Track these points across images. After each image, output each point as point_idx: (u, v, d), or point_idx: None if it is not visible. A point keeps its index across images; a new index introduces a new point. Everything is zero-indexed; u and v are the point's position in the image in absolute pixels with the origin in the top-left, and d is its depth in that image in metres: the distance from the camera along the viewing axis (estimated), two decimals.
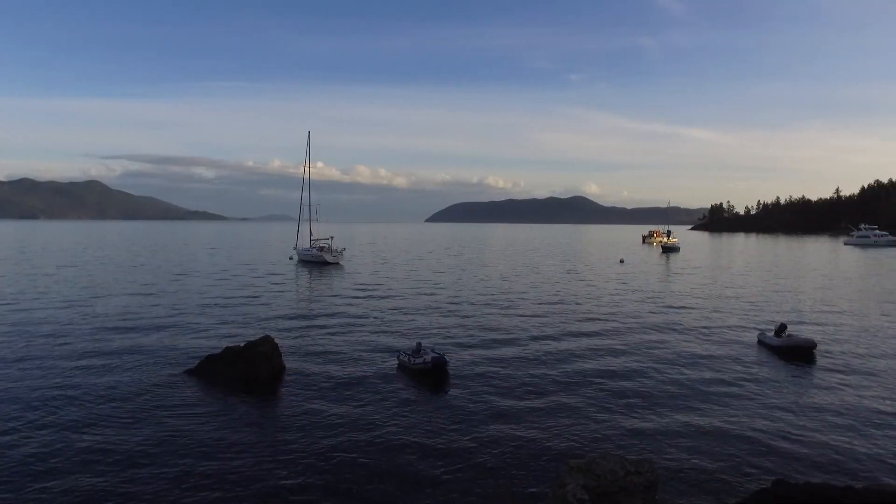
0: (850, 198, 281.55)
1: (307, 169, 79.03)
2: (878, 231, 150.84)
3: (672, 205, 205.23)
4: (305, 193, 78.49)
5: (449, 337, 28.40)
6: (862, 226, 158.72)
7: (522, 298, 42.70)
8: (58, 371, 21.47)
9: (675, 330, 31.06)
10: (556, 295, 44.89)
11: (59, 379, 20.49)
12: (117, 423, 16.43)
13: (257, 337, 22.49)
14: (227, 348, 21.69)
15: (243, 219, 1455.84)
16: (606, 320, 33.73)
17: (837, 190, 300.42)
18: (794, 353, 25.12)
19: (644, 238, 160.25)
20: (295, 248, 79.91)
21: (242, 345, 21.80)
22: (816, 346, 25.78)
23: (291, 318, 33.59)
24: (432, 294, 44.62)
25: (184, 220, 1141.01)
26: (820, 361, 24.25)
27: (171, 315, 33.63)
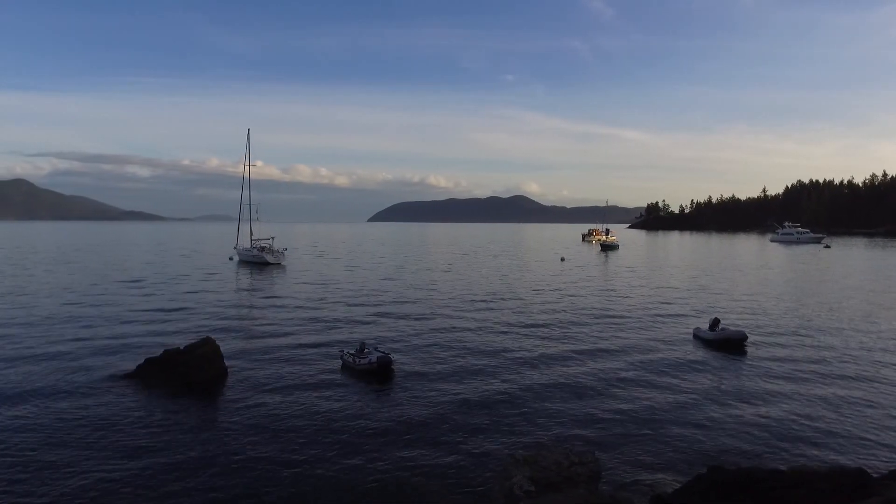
0: (776, 197, 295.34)
1: (247, 167, 78.00)
2: (800, 229, 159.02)
3: (610, 204, 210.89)
4: (245, 193, 77.43)
5: (393, 336, 28.37)
6: (786, 224, 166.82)
7: (467, 297, 43.00)
8: None
9: (614, 325, 31.90)
10: (499, 293, 45.39)
11: None
12: (52, 428, 15.81)
13: (198, 339, 21.99)
14: (167, 351, 21.08)
15: (181, 219, 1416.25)
16: (549, 317, 34.32)
17: (764, 190, 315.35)
18: (726, 345, 26.24)
19: (584, 236, 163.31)
20: (235, 249, 78.19)
21: (182, 347, 21.27)
22: (747, 338, 27.03)
23: (233, 320, 32.91)
24: (376, 294, 44.44)
25: (118, 220, 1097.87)
26: (750, 353, 25.39)
27: (108, 318, 32.40)
